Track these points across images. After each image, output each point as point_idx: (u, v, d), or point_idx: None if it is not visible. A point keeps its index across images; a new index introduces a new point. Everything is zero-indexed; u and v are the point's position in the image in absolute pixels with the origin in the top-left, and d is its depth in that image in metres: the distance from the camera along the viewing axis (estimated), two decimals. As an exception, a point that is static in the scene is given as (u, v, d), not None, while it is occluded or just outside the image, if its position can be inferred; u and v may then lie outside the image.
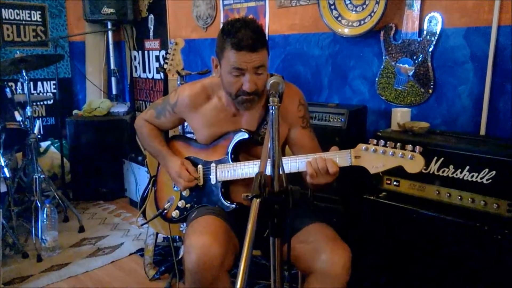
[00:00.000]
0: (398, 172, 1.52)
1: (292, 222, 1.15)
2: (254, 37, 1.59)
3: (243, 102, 1.71)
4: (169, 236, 2.09)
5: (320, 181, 1.58)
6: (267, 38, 1.71)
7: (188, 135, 2.17)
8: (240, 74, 1.64)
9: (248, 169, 1.76)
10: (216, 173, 1.84)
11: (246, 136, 1.81)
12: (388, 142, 1.53)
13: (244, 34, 1.59)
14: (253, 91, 1.66)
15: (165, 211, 1.97)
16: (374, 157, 1.54)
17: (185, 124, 2.87)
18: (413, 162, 1.49)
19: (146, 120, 2.06)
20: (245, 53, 1.60)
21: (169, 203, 1.96)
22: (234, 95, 1.70)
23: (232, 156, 1.83)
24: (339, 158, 1.57)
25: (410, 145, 1.50)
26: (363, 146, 1.55)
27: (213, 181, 1.85)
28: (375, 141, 1.55)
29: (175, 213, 1.94)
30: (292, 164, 1.64)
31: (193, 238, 1.60)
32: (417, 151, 1.49)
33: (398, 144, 1.51)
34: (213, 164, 1.86)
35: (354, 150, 1.57)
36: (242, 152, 1.85)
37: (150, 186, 2.14)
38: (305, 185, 1.74)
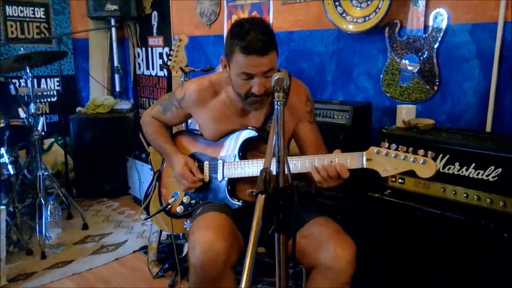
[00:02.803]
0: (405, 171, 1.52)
1: (296, 217, 1.14)
2: (263, 39, 1.57)
3: (253, 103, 1.71)
4: (172, 233, 2.09)
5: (329, 185, 1.58)
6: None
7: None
8: (249, 77, 1.64)
9: (256, 167, 1.75)
10: (223, 170, 1.83)
11: (255, 134, 1.80)
12: (400, 146, 1.52)
13: (253, 36, 1.56)
14: (263, 93, 1.66)
15: (169, 206, 1.96)
16: (386, 161, 1.53)
17: (189, 121, 2.88)
18: (425, 167, 1.48)
19: (153, 116, 2.05)
20: (255, 57, 1.58)
21: (173, 198, 1.96)
22: (244, 96, 1.70)
23: (240, 153, 1.82)
24: (351, 160, 1.56)
25: (422, 150, 1.49)
26: (375, 149, 1.54)
27: (219, 178, 1.84)
28: (387, 145, 1.54)
29: (179, 209, 1.94)
30: (302, 164, 1.63)
31: (198, 233, 1.59)
32: (429, 156, 1.48)
33: (410, 148, 1.51)
34: (220, 161, 1.85)
35: (366, 152, 1.55)
36: (249, 149, 1.85)
37: (154, 181, 2.13)
38: (311, 182, 1.73)
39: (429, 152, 1.48)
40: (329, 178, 1.55)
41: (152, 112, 2.06)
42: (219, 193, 1.85)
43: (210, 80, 1.88)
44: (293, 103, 1.80)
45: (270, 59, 1.61)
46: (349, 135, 2.45)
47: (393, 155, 1.51)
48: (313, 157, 1.63)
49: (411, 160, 1.49)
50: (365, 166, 1.55)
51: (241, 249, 1.68)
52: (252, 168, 1.76)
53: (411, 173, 1.50)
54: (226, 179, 1.83)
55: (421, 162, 1.48)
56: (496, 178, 1.86)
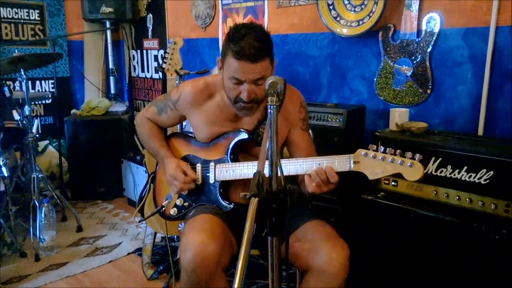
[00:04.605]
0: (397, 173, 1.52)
1: (289, 220, 1.15)
2: (257, 46, 1.58)
3: (242, 109, 1.72)
4: (166, 235, 2.09)
5: (323, 190, 1.58)
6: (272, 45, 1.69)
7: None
8: (239, 82, 1.65)
9: (247, 169, 1.76)
10: (215, 172, 1.84)
11: (246, 136, 1.81)
12: (388, 149, 1.52)
13: (247, 42, 1.57)
14: (251, 100, 1.67)
15: (163, 208, 1.96)
16: (373, 163, 1.53)
17: (183, 123, 2.89)
18: (412, 170, 1.48)
19: (147, 117, 2.05)
20: (245, 63, 1.59)
21: (167, 201, 1.96)
22: (233, 100, 1.71)
23: (231, 156, 1.82)
24: (338, 163, 1.57)
25: (410, 153, 1.49)
26: (363, 151, 1.54)
27: (211, 181, 1.85)
28: (374, 147, 1.54)
29: (173, 211, 1.94)
30: (290, 167, 1.63)
31: (190, 236, 1.60)
32: (416, 158, 1.47)
33: (398, 151, 1.50)
34: (212, 163, 1.85)
35: (354, 155, 1.56)
36: (241, 152, 1.85)
37: (148, 183, 2.13)
38: (302, 190, 1.74)
39: (416, 154, 1.48)
40: (321, 183, 1.56)
41: (146, 113, 2.05)
42: (211, 195, 1.85)
43: (206, 81, 1.89)
44: (287, 109, 1.81)
45: (262, 67, 1.61)
46: (343, 138, 2.46)
47: (380, 158, 1.51)
48: (302, 159, 1.64)
49: (398, 162, 1.49)
50: (352, 169, 1.56)
51: (234, 251, 1.69)
52: (244, 170, 1.76)
53: (399, 176, 1.51)
54: (218, 181, 1.84)
55: (408, 165, 1.48)
56: (488, 181, 1.88)
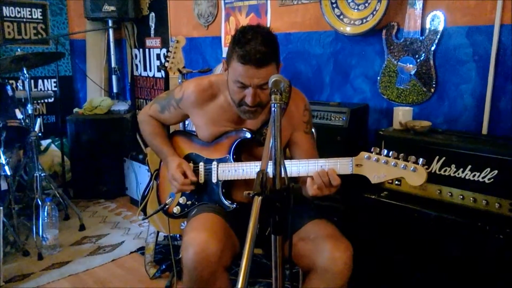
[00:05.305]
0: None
1: (293, 219, 1.14)
2: (262, 51, 1.55)
3: (246, 112, 1.71)
4: (169, 234, 2.09)
5: (324, 193, 1.56)
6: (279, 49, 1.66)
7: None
8: (243, 86, 1.63)
9: (249, 169, 1.75)
10: (217, 172, 1.83)
11: (249, 136, 1.80)
12: (391, 152, 1.48)
13: (253, 47, 1.54)
14: (256, 104, 1.65)
15: (167, 206, 1.96)
16: (376, 167, 1.50)
17: (186, 122, 2.88)
18: (416, 174, 1.45)
19: (150, 115, 2.04)
20: (250, 68, 1.56)
21: (170, 198, 1.95)
22: (237, 104, 1.69)
23: (234, 156, 1.82)
24: (340, 165, 1.55)
25: (413, 157, 1.45)
26: (366, 154, 1.51)
27: (214, 180, 1.84)
28: (378, 150, 1.51)
29: (176, 209, 1.94)
30: (293, 168, 1.62)
31: (191, 234, 1.59)
32: (420, 163, 1.44)
33: (401, 154, 1.47)
34: (214, 163, 1.85)
35: (356, 158, 1.53)
36: (244, 152, 1.84)
37: (152, 181, 2.13)
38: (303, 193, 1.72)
39: (420, 158, 1.45)
40: (323, 186, 1.54)
41: (149, 111, 2.05)
42: (214, 195, 1.85)
43: (210, 81, 1.87)
44: (291, 112, 1.79)
45: (267, 72, 1.57)
46: (346, 137, 2.46)
47: (383, 161, 1.48)
48: (305, 161, 1.62)
49: (401, 167, 1.46)
50: (354, 172, 1.53)
51: (236, 250, 1.69)
52: (246, 170, 1.75)
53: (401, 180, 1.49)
54: (220, 181, 1.83)
55: (411, 169, 1.44)
56: (492, 180, 1.87)
